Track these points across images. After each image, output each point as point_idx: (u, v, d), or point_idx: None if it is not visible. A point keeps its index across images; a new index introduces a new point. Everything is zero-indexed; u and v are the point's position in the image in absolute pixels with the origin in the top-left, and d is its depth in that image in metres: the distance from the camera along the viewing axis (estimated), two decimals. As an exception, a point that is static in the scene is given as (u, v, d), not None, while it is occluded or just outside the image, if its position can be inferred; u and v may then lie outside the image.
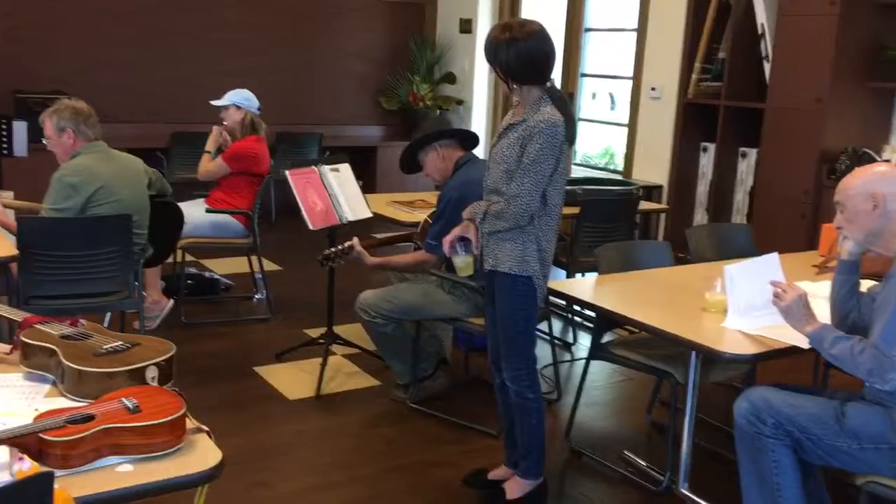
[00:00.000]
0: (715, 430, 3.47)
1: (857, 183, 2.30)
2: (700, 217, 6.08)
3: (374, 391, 3.80)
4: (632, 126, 6.60)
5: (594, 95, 7.49)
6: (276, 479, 2.97)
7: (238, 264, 5.36)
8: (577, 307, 4.50)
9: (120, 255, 3.45)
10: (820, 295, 2.67)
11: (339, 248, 3.46)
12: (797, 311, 2.36)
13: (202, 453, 1.62)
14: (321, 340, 3.98)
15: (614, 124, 7.22)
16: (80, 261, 3.37)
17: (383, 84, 8.20)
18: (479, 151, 3.68)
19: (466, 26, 8.02)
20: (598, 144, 7.78)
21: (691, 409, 2.79)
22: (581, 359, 4.36)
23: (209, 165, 4.70)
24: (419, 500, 2.89)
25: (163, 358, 1.87)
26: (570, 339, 4.69)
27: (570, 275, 4.47)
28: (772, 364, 3.27)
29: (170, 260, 4.42)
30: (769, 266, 2.70)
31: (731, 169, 5.83)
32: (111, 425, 1.56)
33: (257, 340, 4.39)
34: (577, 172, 7.20)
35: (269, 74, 7.44)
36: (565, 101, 2.66)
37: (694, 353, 2.70)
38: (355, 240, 3.49)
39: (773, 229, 5.16)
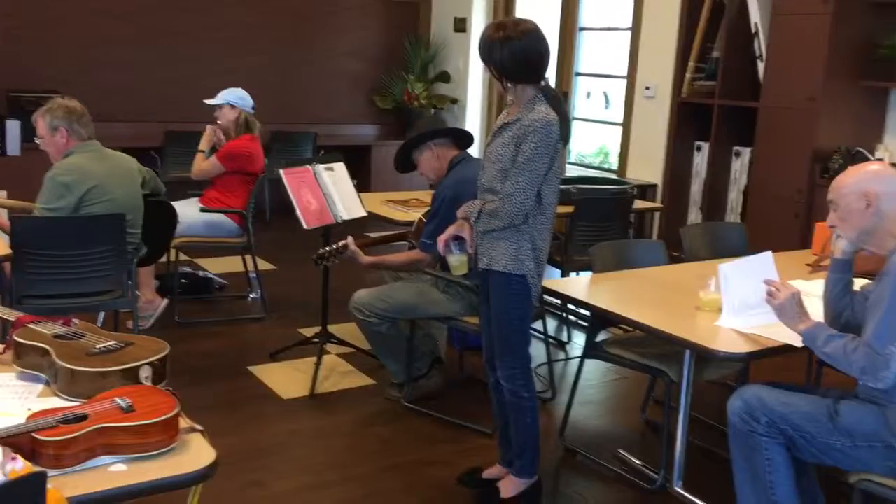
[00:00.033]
0: (709, 429, 3.48)
1: (850, 182, 2.31)
2: (694, 216, 6.09)
3: (368, 390, 3.80)
4: (626, 125, 6.61)
5: (589, 94, 7.49)
6: (271, 478, 2.97)
7: (232, 263, 5.35)
8: (571, 306, 4.50)
9: (113, 255, 3.44)
10: (813, 293, 2.68)
11: (334, 247, 3.45)
12: (791, 309, 2.37)
13: (196, 453, 1.62)
14: (315, 340, 3.97)
15: (609, 123, 7.23)
16: (73, 260, 3.36)
17: (378, 83, 8.19)
18: (474, 150, 3.68)
19: (461, 25, 8.02)
20: (593, 143, 7.79)
21: (685, 407, 2.80)
22: (575, 357, 4.37)
23: (203, 164, 4.69)
24: (414, 499, 2.89)
25: (156, 357, 1.87)
26: (564, 337, 4.69)
27: (564, 274, 4.48)
28: (765, 362, 3.28)
29: (164, 259, 4.40)
30: (763, 265, 2.71)
31: (725, 168, 5.85)
32: (104, 425, 1.55)
33: (251, 340, 4.38)
34: (571, 171, 7.19)
35: (264, 73, 7.43)
36: (559, 100, 2.66)
37: (688, 352, 2.71)
38: (350, 239, 3.48)
39: (766, 228, 5.17)
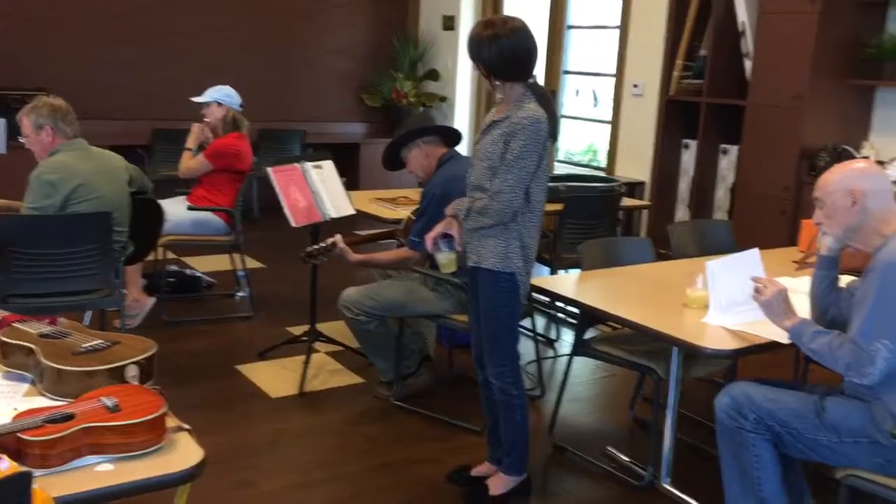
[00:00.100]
0: (697, 426, 3.49)
1: (836, 179, 2.32)
2: (682, 213, 6.11)
3: (357, 389, 3.80)
4: (615, 123, 6.63)
5: (577, 92, 7.51)
6: (260, 477, 2.96)
7: (220, 262, 5.34)
8: (560, 303, 4.51)
9: (100, 253, 3.42)
10: (800, 290, 2.70)
11: (322, 245, 3.45)
12: (777, 306, 2.38)
13: (183, 452, 1.61)
14: (304, 338, 3.96)
15: (597, 121, 7.25)
16: (59, 259, 3.34)
17: (366, 81, 8.18)
18: (463, 148, 3.68)
19: (449, 23, 8.02)
20: (582, 141, 7.81)
21: (673, 404, 2.81)
22: (564, 355, 4.38)
23: (190, 163, 4.67)
24: (403, 497, 2.89)
25: (143, 356, 1.86)
26: (553, 335, 4.70)
27: (553, 271, 4.49)
28: (752, 359, 3.30)
29: (151, 258, 4.38)
30: (750, 262, 2.72)
31: (713, 165, 5.87)
32: (90, 424, 1.54)
33: (240, 338, 4.37)
34: (560, 169, 7.22)
35: (252, 71, 7.40)
36: (548, 98, 2.66)
37: (676, 349, 2.72)
38: (338, 237, 3.47)
39: (753, 225, 5.20)
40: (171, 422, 1.68)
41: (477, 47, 2.60)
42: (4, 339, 1.91)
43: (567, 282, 3.44)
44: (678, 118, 6.02)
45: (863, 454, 2.23)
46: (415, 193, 4.49)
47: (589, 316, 3.09)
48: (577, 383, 4.01)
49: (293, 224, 3.64)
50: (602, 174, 6.53)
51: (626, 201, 5.03)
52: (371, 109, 8.17)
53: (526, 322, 3.77)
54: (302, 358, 3.87)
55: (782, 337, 2.43)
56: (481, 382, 2.92)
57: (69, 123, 3.52)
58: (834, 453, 2.27)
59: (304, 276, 4.12)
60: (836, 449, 2.26)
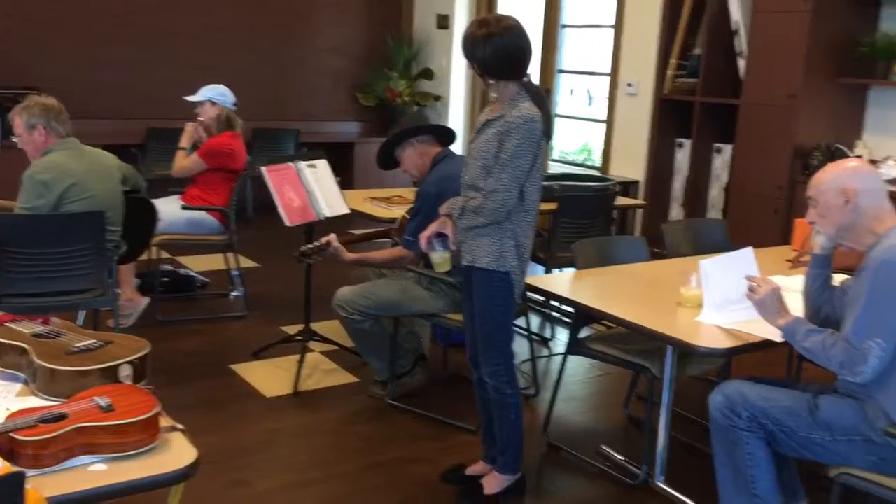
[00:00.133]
0: (691, 424, 3.50)
1: (829, 178, 2.33)
2: (676, 212, 6.13)
3: (351, 388, 3.79)
4: (609, 122, 6.64)
5: (572, 91, 7.51)
6: (254, 477, 2.96)
7: (214, 261, 5.33)
8: (554, 302, 4.52)
9: (93, 253, 3.41)
10: (793, 289, 2.71)
11: (317, 244, 3.44)
12: (771, 304, 2.39)
13: (177, 452, 1.61)
14: (299, 337, 3.96)
15: (592, 120, 7.26)
16: (52, 258, 3.33)
17: (360, 80, 8.17)
18: (458, 148, 3.68)
19: (444, 22, 8.02)
20: (576, 140, 7.82)
21: (667, 402, 2.81)
22: (559, 354, 4.38)
23: (184, 162, 4.65)
24: (397, 497, 2.89)
25: (136, 356, 1.86)
26: (547, 334, 4.70)
27: (547, 270, 4.49)
28: (746, 358, 3.31)
29: (145, 257, 4.37)
30: (744, 261, 2.73)
31: (707, 164, 5.88)
32: (84, 424, 1.54)
33: (234, 338, 4.36)
34: (554, 168, 7.23)
35: (246, 70, 7.39)
36: (542, 97, 2.66)
37: (670, 348, 2.73)
38: (332, 236, 3.47)
39: (747, 224, 5.21)
40: (165, 421, 1.68)
41: (471, 46, 2.60)
42: (-3, 338, 1.90)
43: (561, 281, 3.44)
44: (672, 117, 6.03)
45: (856, 452, 2.24)
46: (409, 192, 4.49)
47: (583, 315, 3.10)
48: (572, 382, 4.02)
49: (287, 223, 3.64)
50: (596, 173, 6.54)
51: (621, 200, 5.04)
52: (365, 108, 8.16)
53: (520, 321, 3.77)
54: (296, 357, 3.86)
55: (776, 335, 2.43)
56: (476, 381, 2.92)
57: (62, 123, 3.51)
58: (827, 451, 2.28)
59: (298, 275, 4.11)
60: (830, 447, 2.27)
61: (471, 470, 3.00)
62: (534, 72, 3.45)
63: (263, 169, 3.69)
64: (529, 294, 3.21)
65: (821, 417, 2.26)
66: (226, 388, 3.70)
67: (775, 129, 5.17)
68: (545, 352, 4.46)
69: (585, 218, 4.49)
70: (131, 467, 1.54)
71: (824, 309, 2.48)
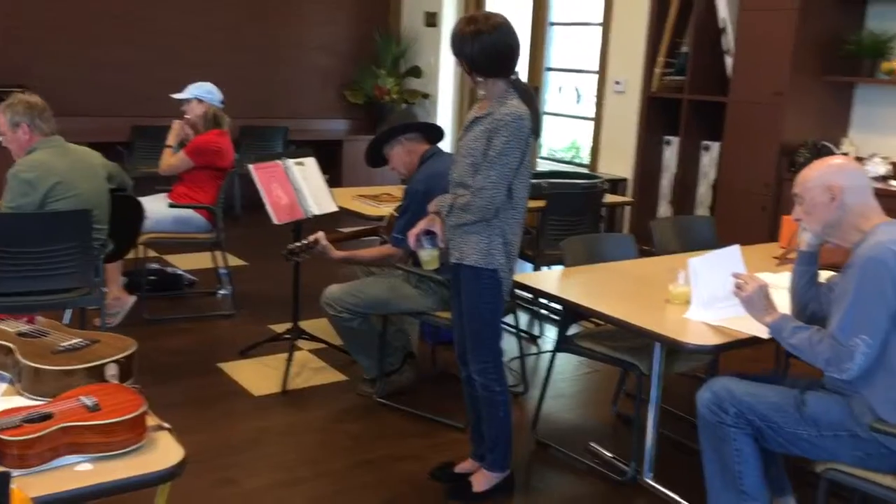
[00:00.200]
0: (679, 421, 3.51)
1: (815, 175, 2.34)
2: (664, 210, 6.14)
3: (340, 386, 3.79)
4: (597, 120, 6.65)
5: (560, 89, 7.52)
6: (242, 475, 2.95)
7: (202, 260, 5.30)
8: (543, 300, 4.52)
9: (79, 251, 3.39)
10: (780, 286, 2.72)
11: (305, 242, 3.43)
12: (758, 301, 2.40)
13: (163, 451, 1.60)
14: (287, 336, 3.95)
15: (580, 118, 7.27)
16: (38, 257, 3.31)
17: (348, 77, 8.16)
18: (446, 145, 3.68)
19: (432, 20, 8.01)
20: (565, 138, 7.83)
21: (656, 399, 2.82)
22: (547, 351, 4.39)
23: (171, 160, 4.63)
24: (386, 494, 2.88)
25: (123, 355, 1.85)
26: (536, 331, 4.71)
27: (536, 268, 4.49)
28: (734, 354, 3.33)
29: (132, 256, 4.35)
30: (731, 258, 2.74)
31: (694, 162, 5.90)
32: (69, 424, 1.53)
33: (222, 336, 4.34)
34: (543, 166, 7.24)
35: (233, 67, 7.36)
36: (531, 94, 2.66)
37: (658, 345, 2.74)
38: (320, 234, 3.46)
39: (734, 221, 5.23)
40: (152, 420, 1.67)
41: (459, 43, 2.60)
42: (-19, 338, 1.88)
43: (550, 278, 3.45)
44: (660, 115, 6.05)
45: (842, 448, 2.25)
46: (397, 190, 4.49)
47: (572, 312, 3.10)
48: (560, 379, 4.03)
49: (275, 221, 3.62)
50: (585, 171, 6.55)
51: (609, 198, 5.05)
52: (353, 106, 8.15)
53: (509, 318, 3.78)
54: (284, 356, 3.85)
55: (763, 332, 2.44)
56: (464, 379, 2.92)
57: (46, 121, 3.48)
58: (814, 447, 2.29)
59: (286, 273, 4.10)
60: (816, 443, 2.28)
61: (459, 467, 3.00)
62: (522, 69, 3.46)
63: (251, 166, 3.67)
64: (518, 291, 3.22)
65: (807, 413, 2.28)
66: (213, 387, 3.69)
67: (762, 126, 5.19)
68: (534, 349, 4.46)
69: (574, 215, 4.50)
70: (118, 467, 1.53)
71: (811, 306, 2.49)
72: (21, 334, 1.92)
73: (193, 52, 7.19)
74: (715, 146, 5.73)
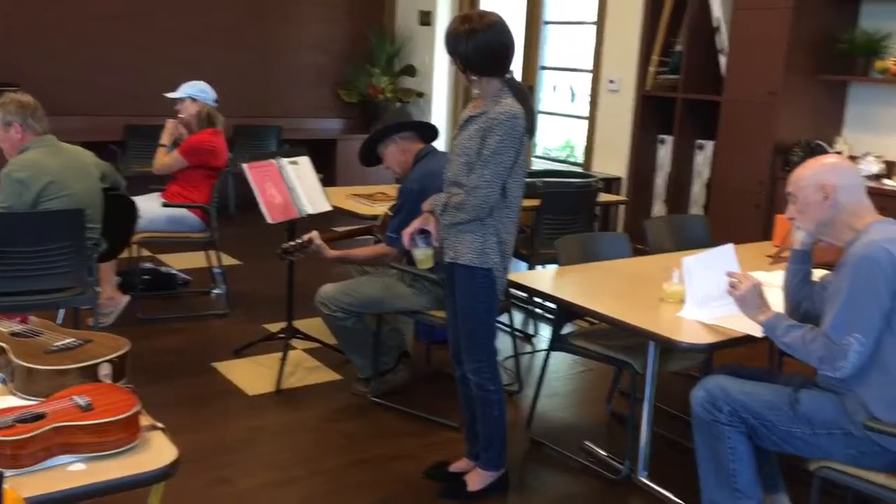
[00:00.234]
0: (673, 419, 3.52)
1: (808, 174, 2.34)
2: (658, 209, 6.15)
3: (334, 385, 3.78)
4: (591, 118, 6.65)
5: (555, 88, 7.53)
6: (236, 475, 2.94)
7: (195, 259, 5.29)
8: (537, 299, 4.52)
9: (72, 251, 3.38)
10: (774, 284, 2.72)
11: (299, 241, 3.43)
12: (752, 300, 2.40)
13: (157, 451, 1.60)
14: (281, 335, 3.94)
15: (574, 117, 7.27)
16: (31, 257, 3.29)
17: (342, 76, 8.14)
18: (440, 144, 3.68)
19: (426, 18, 8.00)
20: (559, 137, 7.83)
21: (650, 398, 2.83)
22: (542, 350, 4.39)
23: (165, 159, 4.62)
24: (380, 494, 2.88)
25: (116, 354, 1.84)
26: (530, 330, 4.71)
27: (530, 267, 4.50)
28: (728, 353, 3.33)
29: (125, 255, 4.34)
30: (725, 257, 2.74)
31: (688, 161, 5.91)
32: (62, 424, 1.52)
33: (216, 336, 4.33)
34: (537, 165, 7.24)
35: (227, 66, 7.34)
36: (525, 93, 2.66)
37: (652, 343, 2.74)
38: (315, 233, 3.46)
39: (728, 220, 5.24)
40: (145, 420, 1.66)
41: (454, 42, 2.60)
42: (-26, 338, 1.88)
43: (544, 277, 3.45)
44: (654, 114, 6.05)
45: (836, 446, 2.26)
46: (392, 189, 4.48)
47: (566, 311, 3.10)
48: (555, 378, 4.03)
49: (269, 220, 3.62)
50: (579, 170, 6.56)
51: (603, 197, 5.06)
52: (348, 105, 8.14)
53: (503, 317, 3.77)
54: (279, 355, 3.85)
55: (757, 331, 2.45)
56: (459, 378, 2.92)
57: (38, 120, 3.47)
58: (808, 445, 2.30)
59: (280, 272, 4.09)
60: (810, 441, 2.29)
61: (454, 466, 3.00)
62: (516, 68, 3.46)
63: (245, 166, 3.67)
64: (512, 290, 3.22)
65: (801, 411, 2.28)
66: (207, 387, 3.68)
67: (756, 125, 5.20)
68: (528, 348, 4.46)
69: (568, 214, 4.50)
70: (111, 467, 1.52)
71: (804, 304, 2.49)
72: (14, 334, 1.91)
73: (187, 51, 7.17)
74: (709, 145, 5.74)
